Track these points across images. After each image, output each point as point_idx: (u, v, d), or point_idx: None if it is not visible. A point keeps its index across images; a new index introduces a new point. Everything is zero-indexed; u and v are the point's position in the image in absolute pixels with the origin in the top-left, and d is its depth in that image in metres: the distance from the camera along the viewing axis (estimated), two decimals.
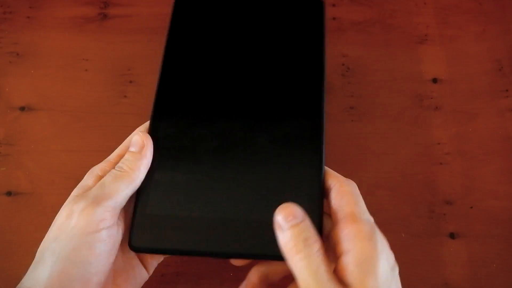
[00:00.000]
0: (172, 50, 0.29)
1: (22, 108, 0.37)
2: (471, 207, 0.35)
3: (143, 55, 0.38)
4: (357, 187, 0.24)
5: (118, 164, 0.25)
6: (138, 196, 0.25)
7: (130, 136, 0.27)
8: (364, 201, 0.35)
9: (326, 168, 0.25)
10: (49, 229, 0.24)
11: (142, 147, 0.25)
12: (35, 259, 0.23)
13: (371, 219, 0.23)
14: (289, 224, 0.21)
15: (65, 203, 0.24)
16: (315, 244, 0.21)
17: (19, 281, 0.22)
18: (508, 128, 0.37)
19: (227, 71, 0.28)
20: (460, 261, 0.33)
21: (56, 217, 0.24)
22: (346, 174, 0.35)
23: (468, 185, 0.35)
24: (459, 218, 0.34)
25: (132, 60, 0.38)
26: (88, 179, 0.25)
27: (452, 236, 0.34)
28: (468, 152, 0.36)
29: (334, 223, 0.23)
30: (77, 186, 0.25)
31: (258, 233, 0.23)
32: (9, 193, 0.34)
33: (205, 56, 0.29)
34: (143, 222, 0.24)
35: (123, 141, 0.36)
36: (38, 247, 0.23)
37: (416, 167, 0.35)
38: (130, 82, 0.38)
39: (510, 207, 0.35)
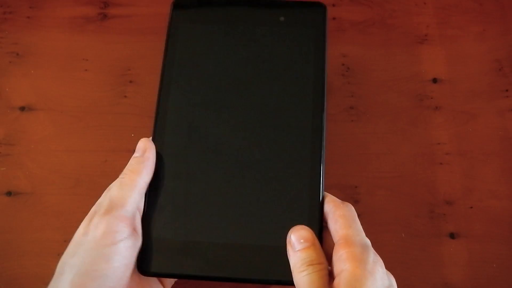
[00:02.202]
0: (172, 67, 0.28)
1: (22, 108, 0.37)
2: (471, 207, 0.35)
3: (143, 55, 0.38)
4: (353, 209, 0.25)
5: (122, 172, 0.25)
6: (145, 220, 0.25)
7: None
8: (364, 201, 0.35)
9: (324, 193, 0.26)
10: (68, 246, 0.24)
11: (144, 151, 0.26)
12: (55, 275, 0.23)
13: (367, 240, 0.23)
14: (299, 247, 0.23)
15: (83, 221, 0.25)
16: (318, 265, 0.22)
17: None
18: (508, 128, 0.37)
19: (228, 88, 0.28)
20: (460, 261, 0.33)
21: (74, 235, 0.24)
22: (346, 174, 0.35)
23: (468, 185, 0.35)
24: (459, 218, 0.34)
25: (132, 60, 0.38)
26: (104, 196, 0.26)
27: (452, 236, 0.34)
28: (468, 152, 0.36)
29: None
30: (95, 204, 0.26)
31: (266, 258, 0.24)
32: (9, 193, 0.34)
33: (206, 71, 0.28)
34: (150, 246, 0.25)
35: (123, 141, 0.36)
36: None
37: (416, 167, 0.35)
38: (130, 82, 0.38)
39: (510, 207, 0.35)
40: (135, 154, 0.26)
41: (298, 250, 0.23)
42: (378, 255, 0.23)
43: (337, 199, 0.25)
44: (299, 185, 0.26)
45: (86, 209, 0.25)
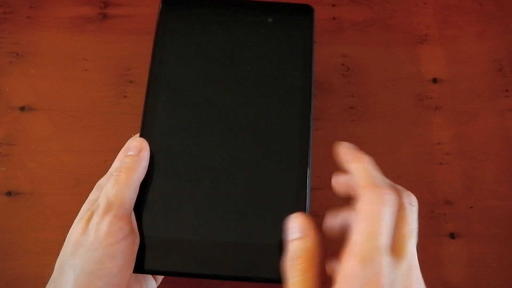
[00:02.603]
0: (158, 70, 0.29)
1: (22, 108, 0.37)
2: (471, 207, 0.35)
3: (143, 55, 0.38)
4: (386, 205, 0.21)
5: (116, 168, 0.25)
6: (137, 217, 0.25)
7: (125, 146, 0.27)
8: None
9: (373, 173, 0.23)
10: (64, 245, 0.24)
11: (140, 150, 0.26)
12: (53, 275, 0.23)
13: (377, 257, 0.20)
14: (291, 236, 0.23)
15: (76, 220, 0.25)
16: (304, 265, 0.22)
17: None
18: (508, 128, 0.37)
19: (215, 87, 0.28)
20: (460, 261, 0.33)
21: (69, 234, 0.24)
22: None
23: (468, 185, 0.35)
24: (459, 218, 0.34)
25: (132, 60, 0.38)
26: (94, 193, 0.26)
27: (452, 236, 0.34)
28: (468, 152, 0.36)
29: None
30: (86, 201, 0.26)
31: (253, 256, 0.24)
32: (9, 193, 0.34)
33: (194, 69, 0.28)
34: (141, 244, 0.25)
35: (123, 141, 0.36)
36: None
37: (416, 167, 0.35)
38: (130, 82, 0.38)
39: (510, 207, 0.35)
40: (130, 152, 0.26)
41: (290, 240, 0.23)
42: (385, 275, 0.20)
43: (383, 185, 0.22)
44: (286, 184, 0.26)
45: None
